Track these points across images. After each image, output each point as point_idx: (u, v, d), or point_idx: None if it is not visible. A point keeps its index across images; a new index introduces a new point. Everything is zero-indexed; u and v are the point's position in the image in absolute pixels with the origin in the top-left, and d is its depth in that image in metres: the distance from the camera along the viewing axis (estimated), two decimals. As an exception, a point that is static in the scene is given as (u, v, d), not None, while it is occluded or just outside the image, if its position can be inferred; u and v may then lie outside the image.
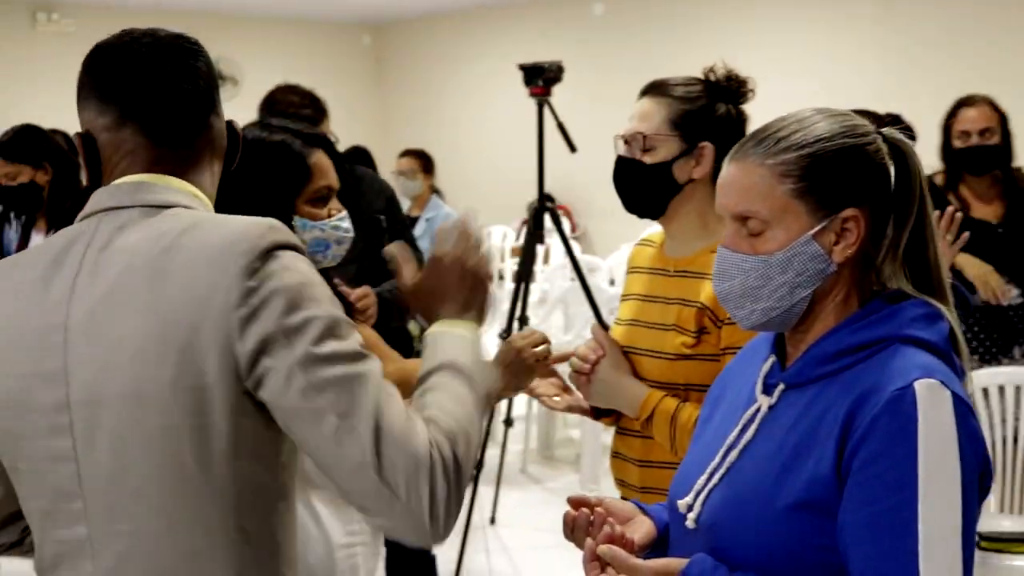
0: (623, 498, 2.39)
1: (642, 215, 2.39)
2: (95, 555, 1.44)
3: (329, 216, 2.20)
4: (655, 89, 2.34)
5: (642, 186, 2.33)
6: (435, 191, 6.78)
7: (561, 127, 4.74)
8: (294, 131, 2.20)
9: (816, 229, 1.53)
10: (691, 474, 1.66)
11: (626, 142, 2.35)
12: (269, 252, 1.39)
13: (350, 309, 2.43)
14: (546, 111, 4.79)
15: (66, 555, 1.47)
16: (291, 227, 2.15)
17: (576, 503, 1.69)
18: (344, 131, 10.44)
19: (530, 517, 5.56)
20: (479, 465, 5.04)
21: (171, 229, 1.43)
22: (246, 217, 1.45)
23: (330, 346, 1.38)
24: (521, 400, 6.06)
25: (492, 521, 5.51)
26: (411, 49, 13.05)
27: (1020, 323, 4.19)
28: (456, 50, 12.46)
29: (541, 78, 4.70)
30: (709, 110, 2.30)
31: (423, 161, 6.44)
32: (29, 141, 4.45)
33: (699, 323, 2.23)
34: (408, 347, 3.85)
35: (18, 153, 4.65)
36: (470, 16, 12.28)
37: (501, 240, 10.46)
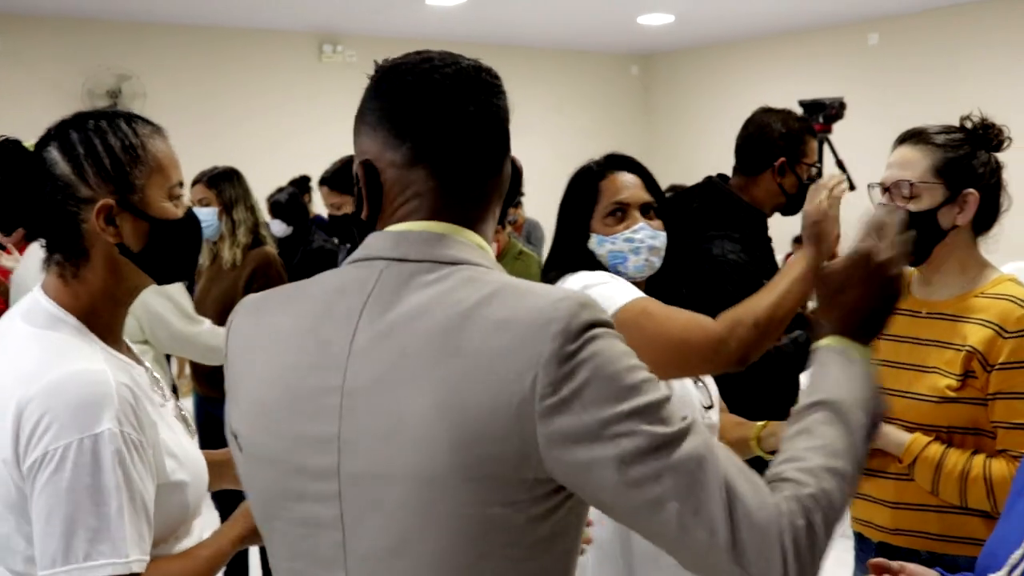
0: (861, 538, 2.47)
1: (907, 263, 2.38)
2: None
3: (626, 228, 2.37)
4: (915, 137, 2.38)
5: None
6: None
7: (840, 164, 4.63)
8: (606, 156, 2.45)
9: None
10: (1004, 547, 1.58)
11: (886, 190, 2.39)
12: (583, 333, 1.22)
13: None
14: (826, 148, 4.68)
15: None
16: (587, 246, 2.37)
17: (878, 568, 1.66)
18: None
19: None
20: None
21: (467, 297, 1.27)
22: (551, 288, 1.30)
23: (658, 431, 1.21)
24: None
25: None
26: (680, 80, 13.03)
27: None
28: (725, 81, 12.35)
29: (822, 114, 4.61)
30: (971, 157, 2.34)
31: None
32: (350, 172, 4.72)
33: (966, 366, 2.25)
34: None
35: (344, 184, 4.93)
36: (740, 47, 12.17)
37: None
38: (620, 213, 2.39)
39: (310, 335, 1.34)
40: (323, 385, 1.31)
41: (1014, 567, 1.54)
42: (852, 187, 4.59)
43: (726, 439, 2.47)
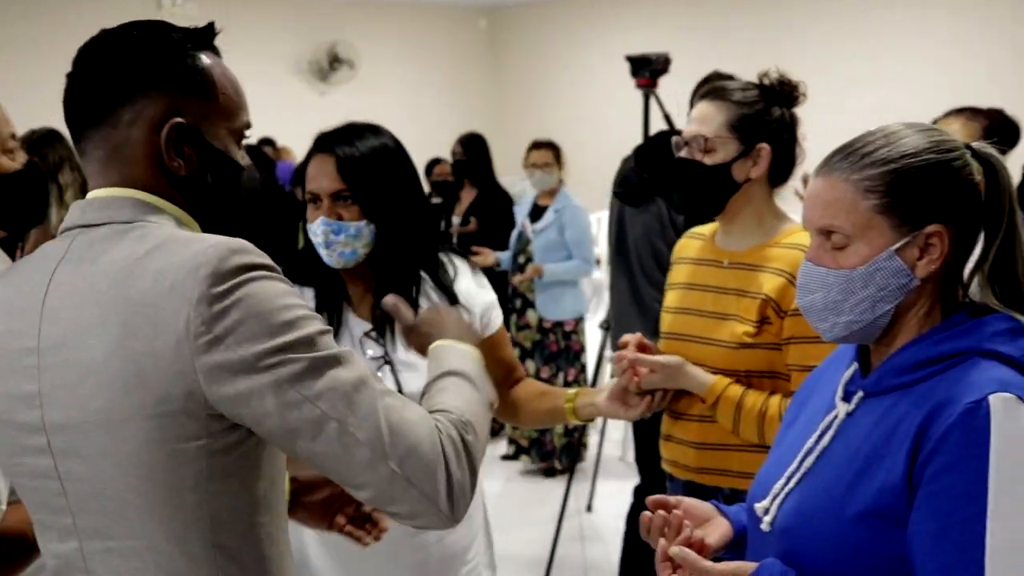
0: (672, 478, 2.55)
1: (701, 214, 2.51)
2: (89, 571, 1.45)
3: (312, 222, 2.26)
4: (714, 93, 2.45)
5: (702, 186, 2.44)
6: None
7: (667, 118, 4.74)
8: (317, 136, 2.31)
9: (898, 245, 1.53)
10: (770, 477, 1.68)
11: (686, 144, 2.45)
12: (233, 276, 1.33)
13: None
14: (652, 102, 4.78)
15: (64, 569, 1.47)
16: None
17: (655, 504, 1.73)
18: (459, 116, 10.44)
19: (626, 506, 5.57)
20: (577, 454, 5.09)
21: (134, 252, 1.37)
22: (213, 237, 1.39)
23: (313, 355, 1.35)
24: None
25: (588, 509, 5.55)
26: (528, 33, 13.07)
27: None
28: (573, 35, 12.44)
29: (648, 70, 4.69)
30: (765, 113, 2.41)
31: (556, 153, 6.36)
32: None
33: (761, 313, 2.35)
34: None
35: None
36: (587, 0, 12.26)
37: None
38: (317, 202, 2.25)
39: (12, 303, 1.46)
40: (21, 347, 1.42)
41: (776, 495, 1.65)
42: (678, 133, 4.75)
43: (534, 409, 2.48)
